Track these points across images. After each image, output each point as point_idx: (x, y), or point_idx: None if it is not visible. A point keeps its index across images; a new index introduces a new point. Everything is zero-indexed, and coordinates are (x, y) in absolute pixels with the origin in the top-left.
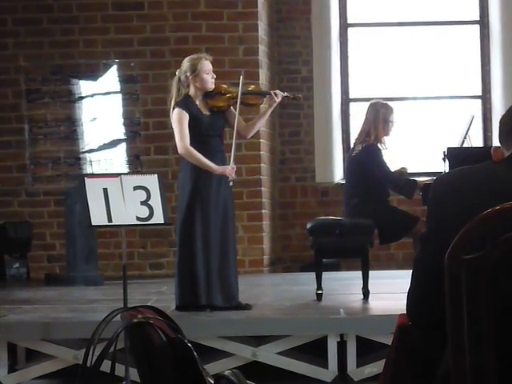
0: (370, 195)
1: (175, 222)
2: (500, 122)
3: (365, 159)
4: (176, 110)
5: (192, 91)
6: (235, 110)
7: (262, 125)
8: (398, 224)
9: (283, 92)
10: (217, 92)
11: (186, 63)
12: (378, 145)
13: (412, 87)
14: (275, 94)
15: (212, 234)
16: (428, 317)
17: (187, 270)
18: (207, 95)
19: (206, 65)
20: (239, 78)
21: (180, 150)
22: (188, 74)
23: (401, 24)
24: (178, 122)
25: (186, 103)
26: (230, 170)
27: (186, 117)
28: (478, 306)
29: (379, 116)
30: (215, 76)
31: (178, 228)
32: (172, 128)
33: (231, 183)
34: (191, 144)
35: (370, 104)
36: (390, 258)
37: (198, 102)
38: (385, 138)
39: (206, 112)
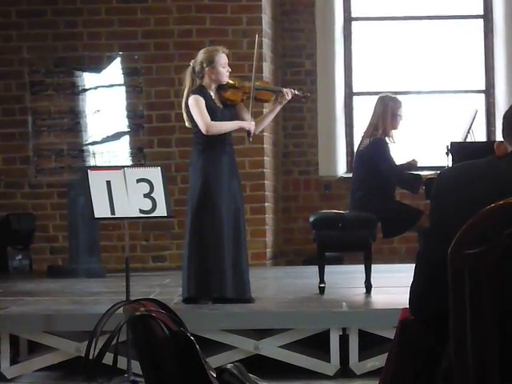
0: (376, 189)
1: (179, 214)
2: (503, 118)
3: (372, 153)
4: (192, 96)
5: (206, 82)
6: (247, 105)
7: (269, 121)
8: (402, 218)
9: (294, 90)
10: (230, 85)
11: (202, 54)
12: (386, 139)
13: (416, 81)
14: (286, 93)
15: (225, 227)
16: (431, 311)
17: (198, 263)
18: (220, 88)
19: (223, 58)
20: (256, 38)
21: (204, 129)
22: (204, 65)
23: (405, 18)
24: (196, 106)
25: (201, 92)
26: (252, 125)
27: (203, 101)
28: (481, 300)
29: (387, 110)
30: (230, 70)
31: (188, 220)
32: (184, 119)
33: (251, 139)
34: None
35: (379, 97)
36: (393, 252)
37: (212, 94)
38: (393, 131)
39: (219, 104)
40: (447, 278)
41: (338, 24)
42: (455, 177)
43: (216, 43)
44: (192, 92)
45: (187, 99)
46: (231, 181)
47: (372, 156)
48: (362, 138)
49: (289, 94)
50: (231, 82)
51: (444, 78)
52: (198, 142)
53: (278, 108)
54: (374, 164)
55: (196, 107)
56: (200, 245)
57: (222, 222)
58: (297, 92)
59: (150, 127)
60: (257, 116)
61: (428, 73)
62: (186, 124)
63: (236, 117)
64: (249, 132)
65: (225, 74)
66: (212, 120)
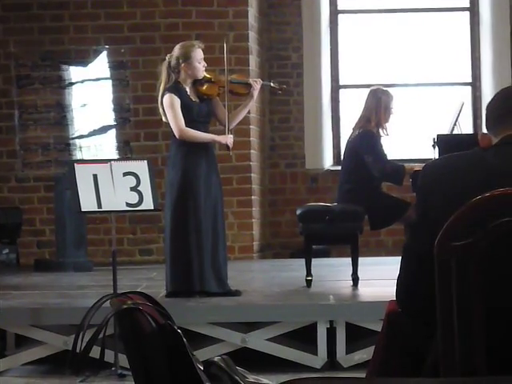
0: (363, 181)
1: (164, 207)
2: (487, 109)
3: (358, 145)
4: (167, 95)
5: (182, 77)
6: (222, 100)
7: (244, 115)
8: (389, 210)
9: (270, 82)
10: (206, 80)
11: (178, 49)
12: (380, 131)
13: (402, 74)
14: (255, 82)
15: (203, 221)
16: (417, 304)
17: (180, 257)
18: (196, 82)
19: (199, 53)
20: (224, 43)
21: (177, 133)
22: (180, 61)
23: (391, 11)
24: (171, 106)
25: (176, 89)
26: (230, 138)
27: (178, 101)
28: (468, 292)
29: (381, 103)
30: (206, 64)
31: (168, 214)
32: (161, 113)
33: (230, 153)
34: None
35: (371, 90)
36: (380, 245)
37: (187, 89)
38: (386, 124)
39: (195, 99)
40: (433, 270)
41: (325, 17)
42: (440, 169)
43: (202, 36)
44: (167, 90)
45: (163, 95)
46: (210, 174)
47: (358, 147)
48: (353, 129)
49: (257, 83)
50: (208, 76)
51: (430, 70)
52: None
53: (251, 100)
54: (360, 156)
55: (170, 109)
56: (181, 239)
57: (201, 216)
58: (272, 84)
59: (136, 121)
60: (231, 110)
61: (414, 65)
62: (163, 119)
63: (213, 112)
64: (227, 146)
65: (201, 69)
66: (189, 115)
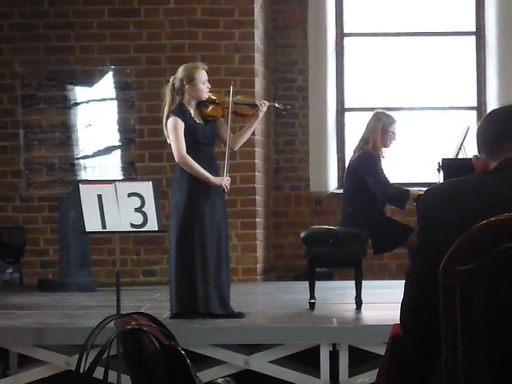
0: (364, 204)
1: (168, 229)
2: (478, 133)
3: (358, 167)
4: (171, 118)
5: (186, 99)
6: (227, 120)
7: (248, 136)
8: (392, 234)
9: (274, 102)
10: (210, 101)
11: (182, 71)
12: (379, 156)
13: (408, 97)
14: (261, 105)
15: (209, 243)
16: (421, 328)
17: (185, 278)
18: (200, 104)
19: (203, 75)
20: (230, 88)
21: (177, 158)
22: (184, 83)
23: (397, 34)
24: (174, 130)
25: (180, 111)
26: (225, 181)
27: (182, 125)
28: (472, 317)
29: (379, 125)
30: (210, 86)
31: (173, 236)
32: (166, 135)
33: (225, 196)
34: (187, 152)
35: (374, 113)
36: (384, 268)
37: (191, 111)
38: (383, 148)
39: (199, 121)
40: (437, 295)
41: (331, 40)
42: (442, 194)
43: (208, 58)
44: (172, 112)
45: (167, 118)
46: (215, 197)
47: (358, 169)
48: (354, 152)
49: (263, 105)
50: (212, 97)
51: (436, 94)
52: None
53: (256, 121)
54: (361, 178)
55: (173, 132)
56: (186, 261)
57: (206, 239)
58: (277, 104)
59: (141, 141)
60: (236, 131)
61: (420, 89)
62: (168, 141)
63: (217, 133)
64: (223, 189)
65: (205, 90)
66: (193, 137)
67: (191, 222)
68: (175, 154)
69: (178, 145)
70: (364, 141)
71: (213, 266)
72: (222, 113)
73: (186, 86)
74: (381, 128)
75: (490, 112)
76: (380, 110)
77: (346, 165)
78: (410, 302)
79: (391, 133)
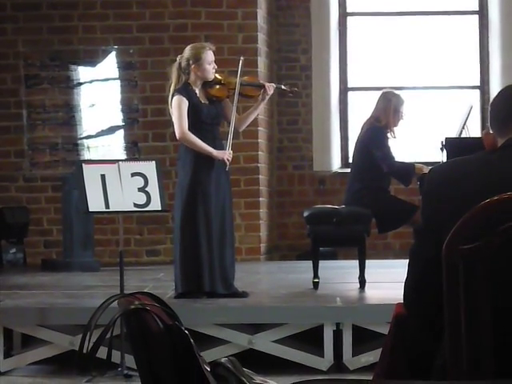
0: (372, 182)
1: (172, 208)
2: (491, 108)
3: (367, 140)
4: (176, 96)
5: (192, 79)
6: (233, 101)
7: (253, 118)
8: (397, 213)
9: (281, 84)
10: (216, 82)
11: (189, 51)
12: (388, 134)
13: (411, 77)
14: (268, 88)
15: (213, 222)
16: (425, 307)
17: (190, 258)
18: (206, 84)
19: (210, 55)
20: (239, 63)
21: (178, 135)
22: (191, 62)
23: (400, 14)
24: (178, 107)
25: (186, 90)
26: (228, 154)
27: (186, 104)
28: (476, 295)
29: (390, 105)
30: (216, 66)
31: (178, 216)
32: (170, 114)
33: (227, 168)
34: (190, 132)
35: (382, 93)
36: (387, 247)
37: (197, 91)
38: (394, 128)
39: (204, 101)
40: (440, 274)
41: (334, 19)
42: (446, 173)
43: (211, 38)
44: (177, 91)
45: (173, 96)
46: (219, 175)
47: (368, 142)
48: (362, 127)
49: (270, 88)
50: (218, 77)
51: (439, 73)
52: None
53: (262, 104)
54: (370, 151)
55: (177, 110)
56: (191, 241)
57: (211, 218)
58: (283, 87)
59: (144, 121)
60: (242, 111)
61: (423, 68)
62: (172, 119)
63: (222, 114)
64: (224, 162)
65: (211, 71)
66: (197, 117)
67: (195, 201)
68: (176, 131)
69: (180, 122)
70: (375, 118)
71: (217, 246)
72: (228, 93)
73: (192, 66)
74: (393, 108)
75: (504, 88)
76: (388, 90)
77: (351, 144)
78: (414, 281)
79: (401, 112)
